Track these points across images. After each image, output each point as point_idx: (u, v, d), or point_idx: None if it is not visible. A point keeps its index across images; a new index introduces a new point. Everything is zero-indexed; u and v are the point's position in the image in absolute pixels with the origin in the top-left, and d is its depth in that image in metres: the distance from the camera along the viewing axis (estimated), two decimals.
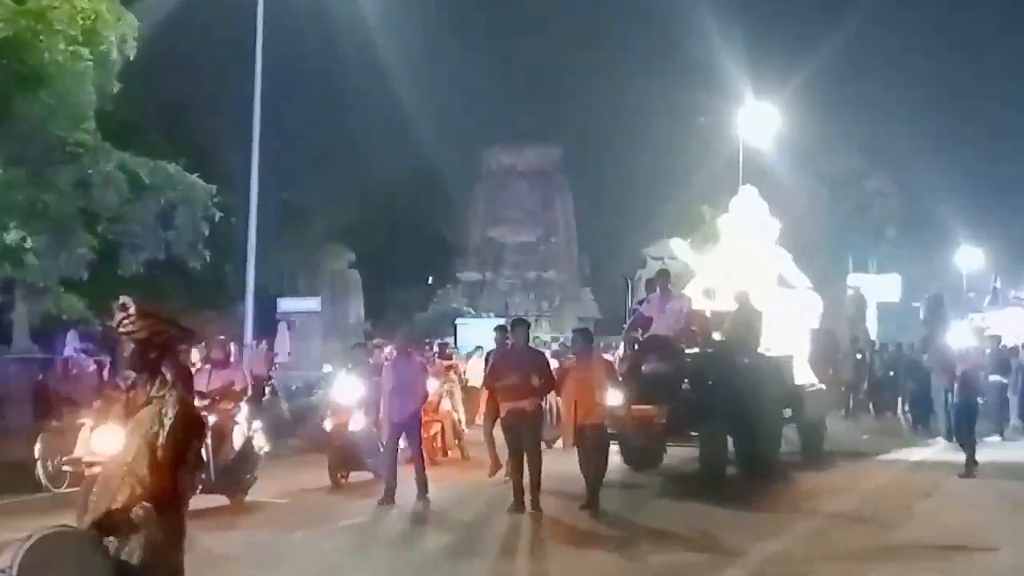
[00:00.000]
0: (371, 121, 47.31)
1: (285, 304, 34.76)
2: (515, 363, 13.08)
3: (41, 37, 19.57)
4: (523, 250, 58.00)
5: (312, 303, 36.58)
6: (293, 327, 34.32)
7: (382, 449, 14.06)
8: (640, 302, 17.73)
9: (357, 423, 15.12)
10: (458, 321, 37.30)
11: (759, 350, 16.77)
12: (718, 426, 15.39)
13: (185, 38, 31.32)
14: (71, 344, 23.42)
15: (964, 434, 16.81)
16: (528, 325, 14.21)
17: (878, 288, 45.61)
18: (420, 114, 45.72)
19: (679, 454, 16.71)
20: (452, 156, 53.87)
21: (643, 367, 15.77)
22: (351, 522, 12.44)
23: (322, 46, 40.31)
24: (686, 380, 15.56)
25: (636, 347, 16.65)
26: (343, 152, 47.11)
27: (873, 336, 37.39)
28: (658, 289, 16.93)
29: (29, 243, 20.59)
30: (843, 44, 49.00)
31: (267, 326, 28.93)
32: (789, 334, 18.29)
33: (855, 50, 52.00)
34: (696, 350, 16.33)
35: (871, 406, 27.85)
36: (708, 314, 17.36)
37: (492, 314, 43.72)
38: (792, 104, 44.19)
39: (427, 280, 54.58)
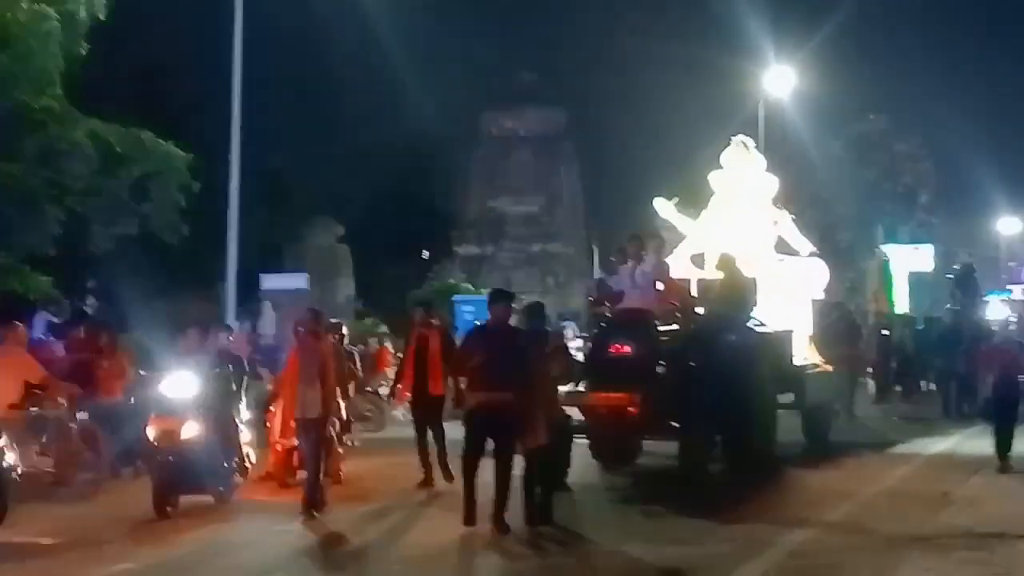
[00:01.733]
0: (360, 84, 47.11)
1: (269, 281, 34.70)
2: (495, 344, 11.51)
3: None
4: (526, 221, 57.95)
5: (298, 280, 36.47)
6: (278, 305, 34.30)
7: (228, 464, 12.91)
8: (608, 273, 16.82)
9: (190, 430, 12.49)
10: (456, 298, 37.19)
11: (750, 325, 15.68)
12: (701, 415, 14.24)
13: None
14: (39, 328, 23.43)
15: (1005, 421, 15.84)
16: (511, 297, 12.28)
17: (910, 259, 45.48)
18: (412, 75, 45.57)
19: (661, 448, 15.63)
20: (448, 120, 53.64)
21: (611, 347, 14.88)
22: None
23: (305, 3, 40.14)
24: (662, 362, 14.60)
25: (603, 324, 15.84)
26: (330, 118, 46.92)
27: (905, 309, 37.41)
28: (629, 257, 15.85)
29: None
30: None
31: (251, 305, 28.90)
32: (788, 306, 17.32)
33: (882, 4, 51.72)
34: (674, 327, 15.27)
35: (899, 387, 27.36)
36: (694, 284, 16.49)
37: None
38: (815, 63, 44.01)
39: (422, 255, 54.52)
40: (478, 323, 15.08)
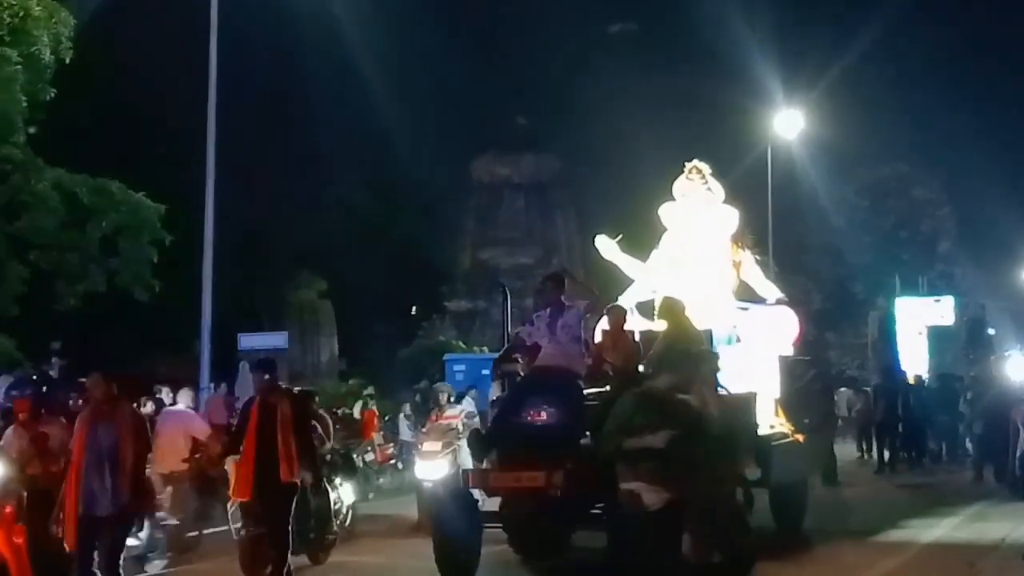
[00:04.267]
0: (343, 130, 47.23)
1: (247, 340, 34.57)
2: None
3: None
4: (520, 274, 57.89)
5: (278, 339, 36.37)
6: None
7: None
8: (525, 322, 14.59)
9: None
10: (447, 357, 37.10)
11: (701, 387, 13.36)
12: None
13: (128, 38, 31.32)
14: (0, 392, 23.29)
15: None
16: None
17: (930, 312, 45.40)
18: (400, 122, 45.68)
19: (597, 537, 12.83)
20: (437, 168, 53.78)
21: (524, 413, 12.60)
22: None
23: (285, 46, 40.32)
24: (588, 432, 12.27)
25: (514, 385, 13.83)
26: (311, 166, 47.05)
27: (924, 367, 37.34)
28: (548, 302, 13.51)
29: None
30: (881, 38, 49.04)
31: (227, 367, 28.80)
32: (752, 364, 15.37)
33: (895, 45, 52.02)
34: (604, 388, 13.09)
35: (905, 454, 26.12)
36: (636, 337, 14.51)
37: (486, 349, 43.65)
38: (826, 105, 44.31)
39: (411, 311, 54.45)
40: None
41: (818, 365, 18.98)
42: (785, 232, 46.68)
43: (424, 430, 18.36)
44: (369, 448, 22.56)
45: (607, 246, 17.10)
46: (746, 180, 43.11)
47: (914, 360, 37.62)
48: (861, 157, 51.70)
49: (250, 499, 11.59)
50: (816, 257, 53.51)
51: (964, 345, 39.18)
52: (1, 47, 19.96)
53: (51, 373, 31.70)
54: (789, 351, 16.53)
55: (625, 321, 14.42)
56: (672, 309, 13.47)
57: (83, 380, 12.43)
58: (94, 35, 22.88)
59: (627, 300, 15.95)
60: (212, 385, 24.45)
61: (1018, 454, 13.61)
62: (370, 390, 20.28)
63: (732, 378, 14.27)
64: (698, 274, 16.20)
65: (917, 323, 42.99)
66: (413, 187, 52.94)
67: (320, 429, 15.55)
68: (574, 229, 58.81)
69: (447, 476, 15.69)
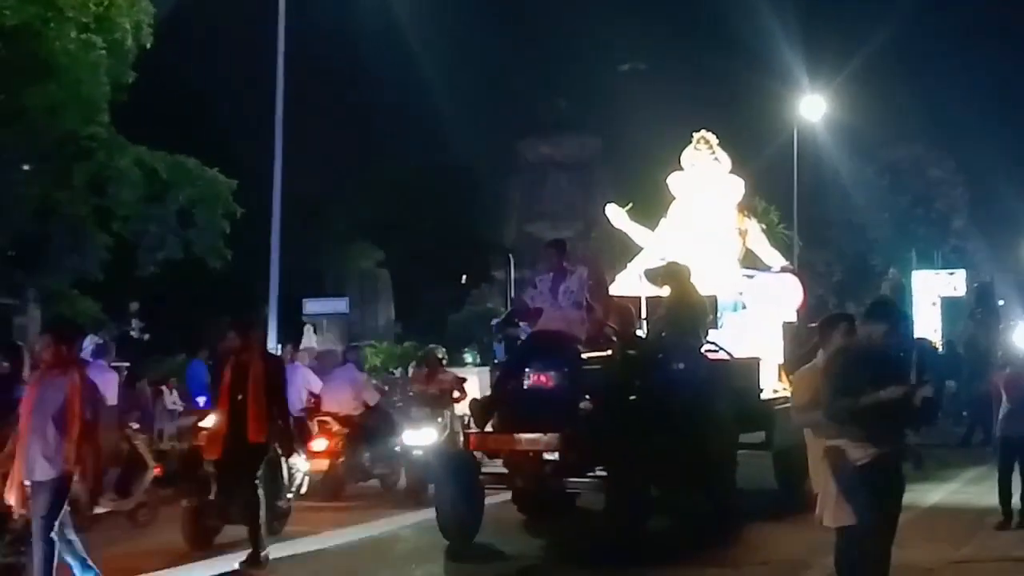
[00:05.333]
0: (398, 112, 47.24)
1: (311, 306, 34.72)
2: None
3: (51, 25, 19.65)
4: None
5: (339, 304, 36.52)
6: (320, 330, 34.32)
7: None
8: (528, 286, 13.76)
9: None
10: (494, 321, 37.09)
11: (704, 351, 13.15)
12: (635, 460, 11.51)
13: (203, 25, 31.41)
14: (88, 349, 23.51)
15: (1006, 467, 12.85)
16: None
17: (943, 285, 45.10)
18: (450, 104, 45.61)
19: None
20: (485, 148, 53.67)
21: (524, 378, 11.93)
22: None
23: (346, 34, 40.31)
24: (588, 396, 11.69)
25: (515, 349, 13.03)
26: (370, 145, 47.08)
27: (937, 333, 37.12)
28: (551, 267, 12.80)
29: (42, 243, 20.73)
30: (903, 23, 48.49)
31: (292, 329, 28.94)
32: (756, 330, 14.85)
33: (916, 30, 51.43)
34: (605, 353, 12.41)
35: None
36: (643, 303, 13.93)
37: None
38: (849, 89, 43.93)
39: (461, 279, 54.49)
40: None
41: None
42: (810, 209, 46.40)
43: (411, 393, 17.81)
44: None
45: (617, 214, 16.75)
46: (774, 161, 42.90)
47: (928, 330, 37.43)
48: (881, 139, 51.24)
49: (219, 458, 10.91)
50: (838, 232, 53.11)
51: (972, 307, 38.71)
52: (88, 34, 20.02)
53: (132, 334, 32.05)
54: (793, 317, 15.81)
55: (607, 289, 13.67)
56: (676, 274, 13.12)
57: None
58: (172, 22, 22.92)
59: (636, 267, 15.40)
60: (279, 346, 24.53)
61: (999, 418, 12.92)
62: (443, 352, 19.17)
63: (737, 343, 14.03)
64: (704, 241, 15.69)
65: (931, 295, 42.75)
66: (463, 166, 52.92)
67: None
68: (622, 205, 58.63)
69: (437, 443, 15.07)
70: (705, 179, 16.48)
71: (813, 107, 41.71)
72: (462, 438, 13.92)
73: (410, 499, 14.63)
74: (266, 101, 24.60)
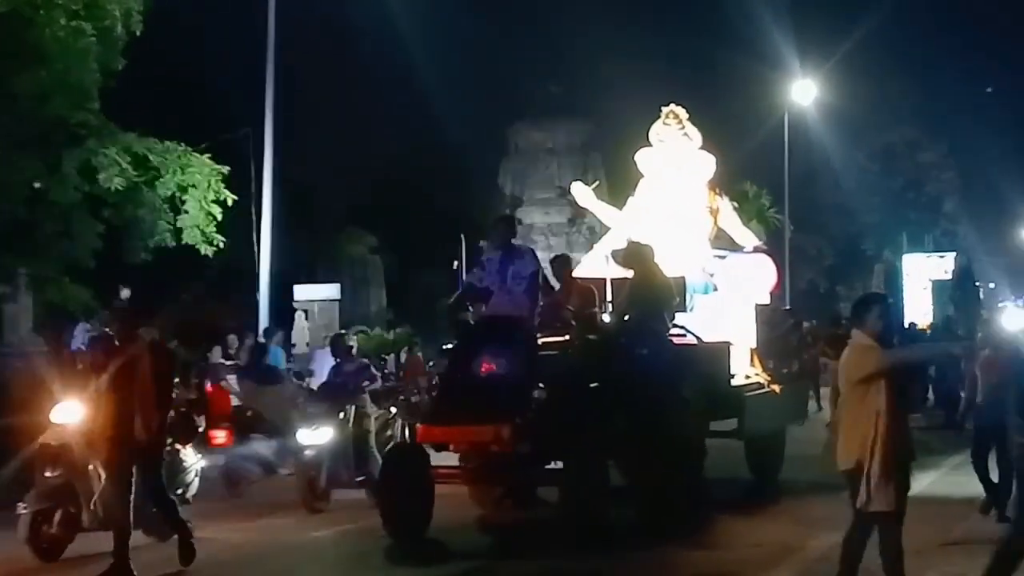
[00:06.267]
0: (389, 98, 47.20)
1: (302, 292, 34.76)
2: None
3: (40, 11, 19.59)
4: (554, 231, 57.79)
5: (331, 290, 36.57)
6: (311, 316, 34.33)
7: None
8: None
9: None
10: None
11: (671, 335, 12.49)
12: (593, 452, 10.93)
13: (193, 10, 31.30)
14: (80, 337, 23.51)
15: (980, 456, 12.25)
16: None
17: (934, 268, 45.28)
18: (441, 89, 45.57)
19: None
20: (476, 133, 53.65)
21: (472, 365, 11.37)
22: None
23: (337, 19, 40.25)
24: (542, 384, 11.04)
25: (464, 334, 12.32)
26: (360, 130, 47.03)
27: (928, 318, 37.23)
28: (499, 244, 12.27)
29: (32, 230, 20.68)
30: (894, 5, 48.48)
31: (283, 316, 28.96)
32: (728, 313, 14.27)
33: (907, 13, 51.42)
34: (562, 338, 11.92)
35: None
36: (608, 285, 13.33)
37: None
38: (840, 74, 44.01)
39: (452, 265, 54.46)
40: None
41: (797, 314, 17.15)
42: (801, 193, 46.47)
43: (305, 383, 16.84)
44: (415, 390, 22.64)
45: (583, 193, 16.19)
46: (765, 145, 42.93)
47: (918, 313, 37.56)
48: (872, 123, 51.36)
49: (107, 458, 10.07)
50: (829, 217, 53.29)
51: (952, 292, 38.88)
52: (78, 21, 19.96)
53: None
54: (766, 299, 15.35)
55: (570, 268, 13.48)
56: (638, 255, 12.51)
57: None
58: (162, 8, 22.85)
59: (603, 248, 14.84)
60: (269, 333, 24.55)
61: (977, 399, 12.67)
62: (416, 338, 19.24)
63: (708, 327, 13.45)
64: (673, 221, 15.14)
65: (922, 278, 42.90)
66: (454, 151, 52.87)
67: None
68: (605, 189, 58.60)
69: (334, 442, 13.38)
70: (674, 155, 15.84)
71: (804, 91, 41.79)
72: (397, 432, 13.69)
73: (302, 506, 13.22)
74: (257, 86, 24.64)
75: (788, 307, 17.40)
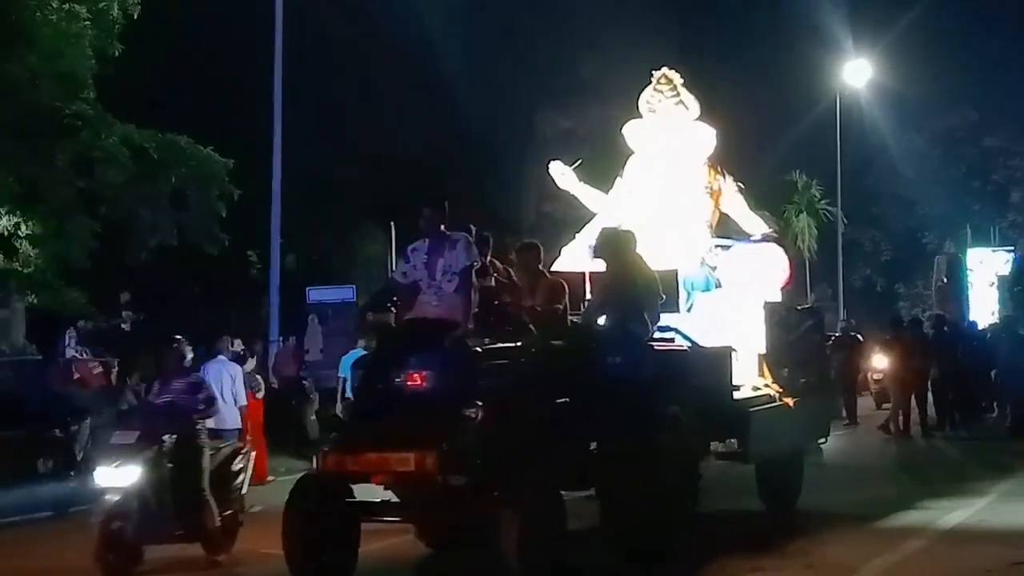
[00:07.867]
0: (407, 86, 47.15)
1: (315, 294, 34.71)
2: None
3: None
4: (582, 226, 57.70)
5: (346, 292, 36.46)
6: (325, 320, 34.29)
7: None
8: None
9: None
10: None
11: (655, 340, 11.07)
12: (550, 481, 9.71)
13: None
14: (71, 343, 23.51)
15: None
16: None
17: (1001, 264, 44.88)
18: (464, 76, 45.53)
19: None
20: (501, 121, 53.56)
21: (392, 379, 9.85)
22: None
23: (349, 4, 40.25)
24: (479, 401, 9.41)
25: (384, 341, 10.80)
26: (376, 120, 46.99)
27: (993, 315, 36.88)
28: (427, 231, 10.55)
29: (24, 229, 20.63)
30: None
31: (296, 319, 28.93)
32: (733, 313, 12.79)
33: None
34: (513, 344, 10.45)
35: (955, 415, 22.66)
36: (586, 279, 12.28)
37: None
38: (895, 52, 43.64)
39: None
40: None
41: (816, 314, 15.40)
42: (855, 183, 46.20)
43: (124, 406, 15.66)
44: None
45: (562, 174, 14.97)
46: (815, 131, 42.68)
47: (985, 312, 37.23)
48: (932, 106, 50.93)
49: None
50: (886, 208, 52.96)
51: (1010, 285, 38.34)
52: (71, 3, 19.97)
53: (123, 327, 32.08)
54: (778, 297, 13.76)
55: (539, 260, 11.91)
56: (613, 244, 11.25)
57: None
58: None
59: (586, 237, 13.53)
60: (281, 338, 24.52)
61: None
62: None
63: (708, 329, 12.11)
64: (666, 204, 13.76)
65: (989, 274, 42.50)
66: (478, 141, 52.83)
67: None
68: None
69: (141, 483, 10.80)
70: (667, 128, 14.37)
71: (857, 71, 41.45)
72: (239, 467, 11.86)
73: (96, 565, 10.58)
74: (264, 74, 24.54)
75: (808, 305, 15.95)
